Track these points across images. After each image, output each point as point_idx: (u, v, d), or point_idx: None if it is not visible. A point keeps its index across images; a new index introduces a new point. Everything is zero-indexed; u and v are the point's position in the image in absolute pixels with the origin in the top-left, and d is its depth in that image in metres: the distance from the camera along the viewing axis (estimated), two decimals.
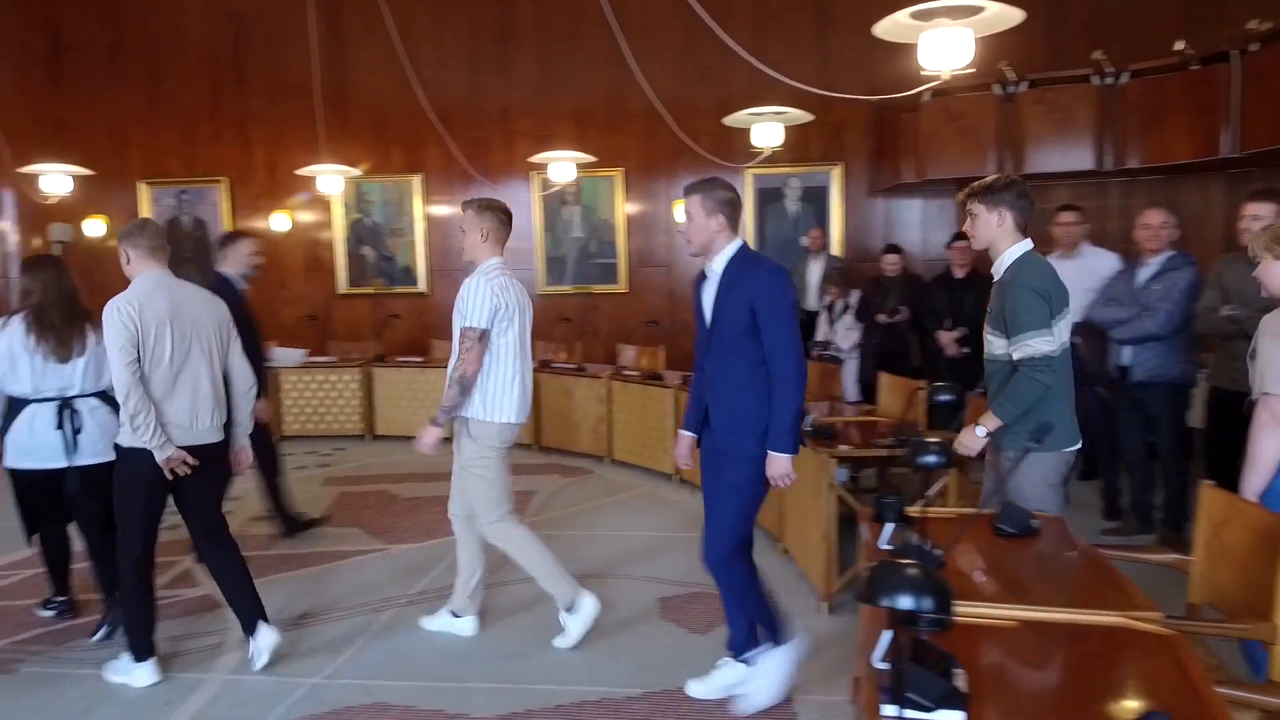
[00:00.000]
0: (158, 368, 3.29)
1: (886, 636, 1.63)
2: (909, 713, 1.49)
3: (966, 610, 1.88)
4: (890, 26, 4.00)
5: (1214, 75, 6.24)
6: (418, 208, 9.50)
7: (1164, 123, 6.66)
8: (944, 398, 2.74)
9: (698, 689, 3.24)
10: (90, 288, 3.78)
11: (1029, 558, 2.46)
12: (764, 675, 3.13)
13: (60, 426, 3.68)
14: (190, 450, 3.36)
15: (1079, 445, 3.10)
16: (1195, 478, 3.67)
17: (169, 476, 3.33)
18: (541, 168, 8.53)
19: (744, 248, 3.06)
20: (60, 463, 3.69)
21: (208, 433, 3.45)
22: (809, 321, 7.74)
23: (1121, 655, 1.84)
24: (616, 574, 4.56)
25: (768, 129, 6.82)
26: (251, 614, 3.57)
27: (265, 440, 5.21)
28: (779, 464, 2.97)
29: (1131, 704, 1.65)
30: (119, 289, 3.37)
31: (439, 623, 3.91)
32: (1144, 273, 4.72)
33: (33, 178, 8.24)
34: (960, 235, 6.42)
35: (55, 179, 8.13)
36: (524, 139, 9.15)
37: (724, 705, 3.19)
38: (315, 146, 8.88)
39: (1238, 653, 2.77)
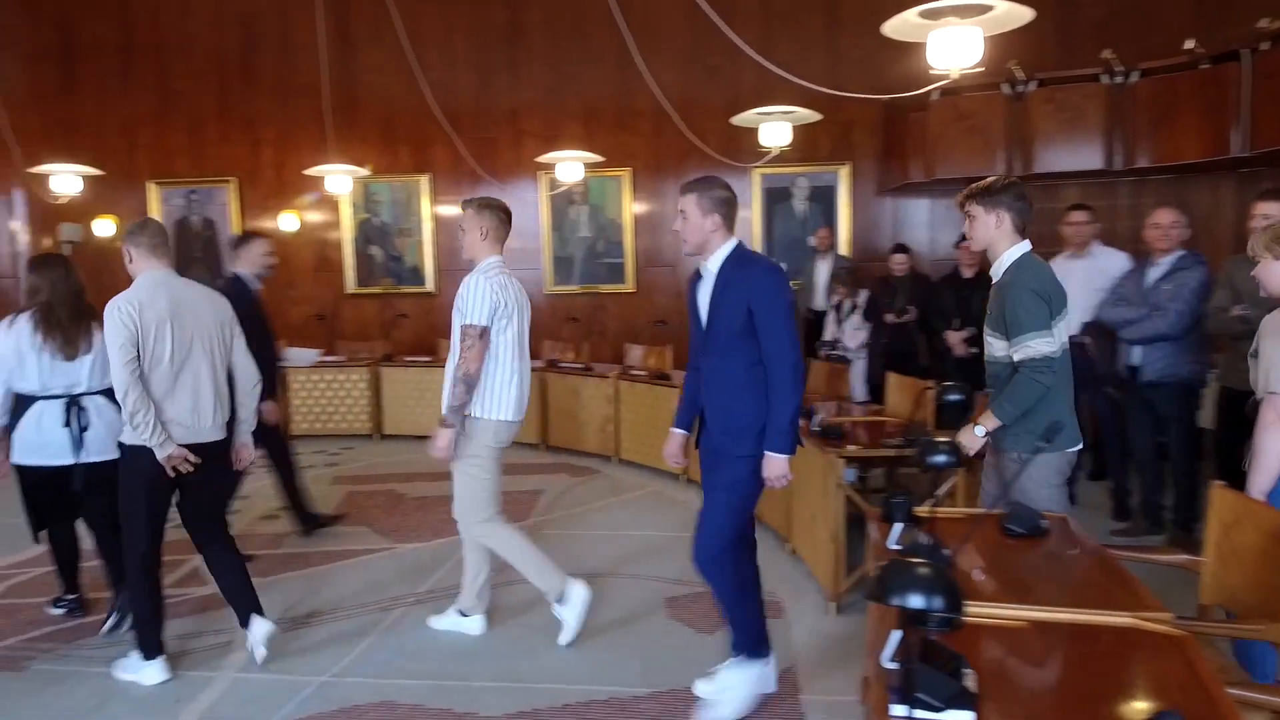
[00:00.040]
0: (158, 366, 3.31)
1: (895, 636, 1.63)
2: (918, 713, 1.48)
3: (976, 610, 1.88)
4: (899, 25, 3.99)
5: (1224, 74, 6.21)
6: (425, 208, 9.51)
7: (1174, 122, 6.64)
8: (953, 397, 2.73)
9: (705, 689, 3.23)
10: (99, 287, 3.79)
11: (1038, 558, 2.45)
12: (732, 687, 3.08)
13: (68, 424, 3.72)
14: (193, 448, 3.37)
15: (1080, 446, 3.10)
16: (1205, 478, 3.65)
17: (171, 474, 3.34)
18: (549, 168, 8.54)
19: (740, 247, 3.04)
20: (67, 460, 3.72)
21: (210, 430, 3.47)
22: (816, 321, 7.74)
23: (1132, 656, 1.83)
24: (623, 573, 4.56)
25: (775, 128, 6.81)
26: (247, 610, 3.61)
27: (279, 440, 5.23)
28: (776, 464, 2.94)
29: (1142, 704, 1.64)
30: (127, 288, 3.39)
31: (447, 622, 3.91)
32: (1154, 272, 4.70)
33: (43, 178, 8.27)
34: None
35: (65, 179, 8.17)
36: (532, 139, 9.16)
37: None
38: (323, 147, 8.91)
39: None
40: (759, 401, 2.95)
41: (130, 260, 3.46)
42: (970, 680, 1.57)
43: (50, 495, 3.83)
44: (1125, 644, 1.87)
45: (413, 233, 9.59)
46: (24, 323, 3.71)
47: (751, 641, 3.11)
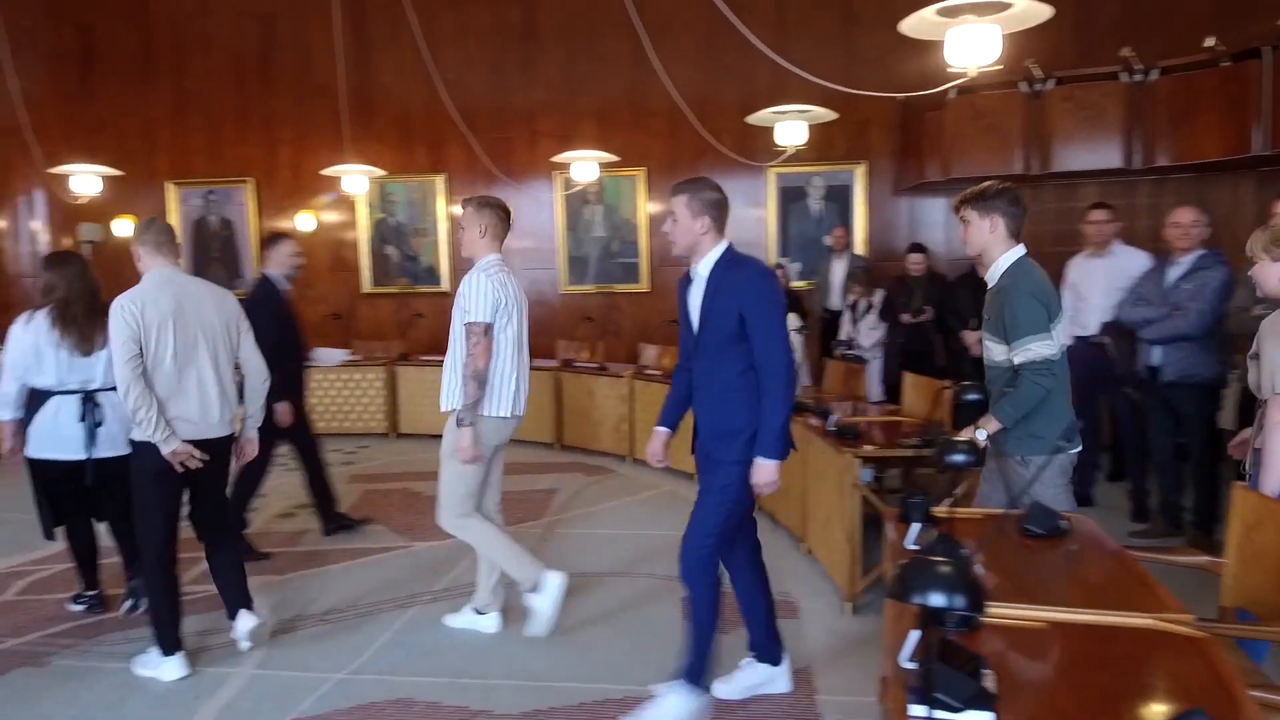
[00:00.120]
0: (161, 363, 3.34)
1: (914, 636, 1.62)
2: (938, 713, 1.47)
3: (994, 611, 1.87)
4: (916, 23, 3.97)
5: (1245, 72, 6.15)
6: (441, 208, 9.54)
7: (1194, 120, 6.58)
8: (971, 397, 2.72)
9: (722, 689, 3.23)
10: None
11: (1057, 559, 2.43)
12: (667, 708, 3.01)
13: (83, 418, 3.79)
14: (202, 444, 3.41)
15: (1080, 447, 3.11)
16: (1226, 479, 3.62)
17: (179, 470, 3.37)
18: (564, 167, 8.55)
19: (730, 250, 2.99)
20: (81, 454, 3.79)
21: (218, 426, 3.51)
22: (832, 320, 7.72)
23: (1152, 657, 1.82)
24: (639, 573, 4.57)
25: (791, 127, 6.79)
26: (237, 606, 3.67)
27: (308, 438, 5.27)
28: (766, 470, 2.89)
29: (1164, 706, 1.63)
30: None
31: (463, 620, 3.93)
32: (1174, 272, 4.66)
33: (63, 178, 8.36)
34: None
35: (85, 179, 8.25)
36: (547, 139, 9.17)
37: (746, 705, 3.18)
38: (340, 147, 8.95)
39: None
40: (751, 406, 2.90)
41: (139, 259, 3.51)
42: (989, 681, 1.56)
43: (66, 490, 3.89)
44: (1146, 645, 1.86)
45: (428, 233, 9.63)
46: (41, 319, 3.78)
47: (696, 670, 3.00)
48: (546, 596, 3.71)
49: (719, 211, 2.98)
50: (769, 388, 2.88)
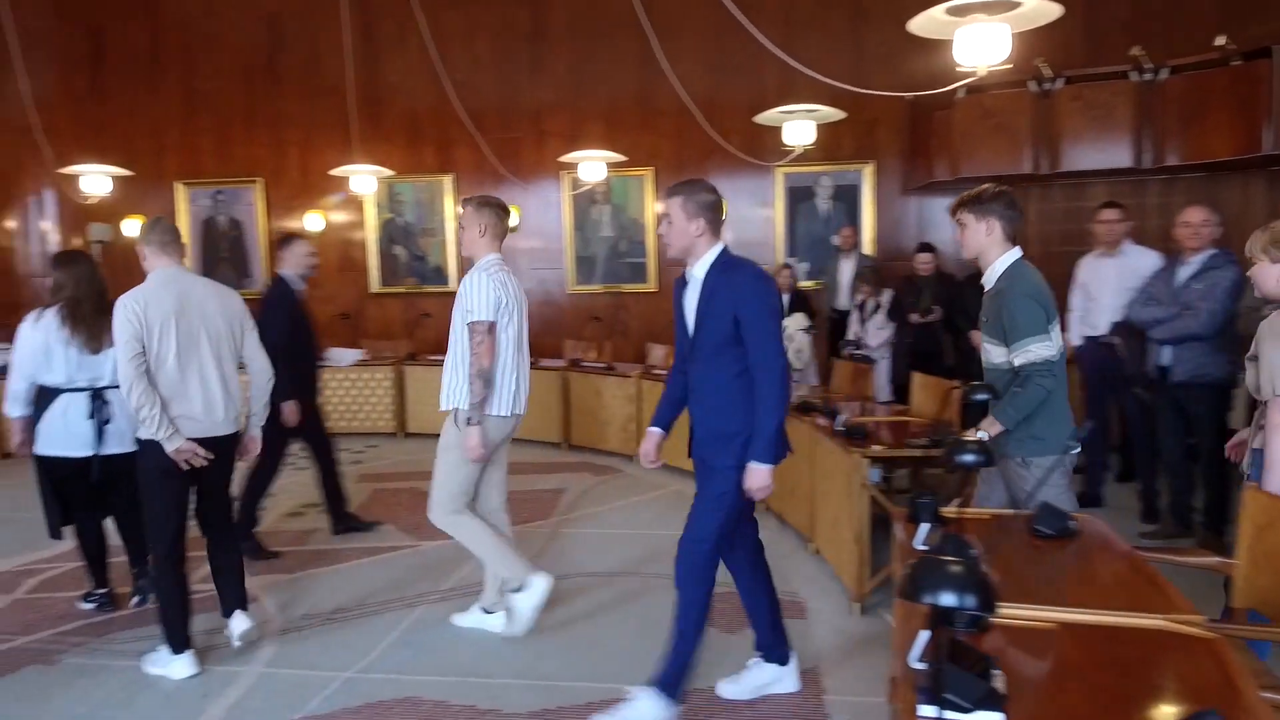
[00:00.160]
0: (165, 361, 3.37)
1: (924, 636, 1.62)
2: (947, 714, 1.47)
3: (1004, 611, 1.86)
4: (925, 23, 3.96)
5: (1256, 71, 6.12)
6: (449, 208, 9.55)
7: (1204, 119, 6.55)
8: (980, 397, 2.70)
9: (729, 690, 3.23)
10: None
11: (1066, 559, 2.42)
12: (635, 713, 2.98)
13: (92, 416, 3.83)
14: (208, 442, 3.44)
15: (1078, 449, 3.12)
16: (1236, 480, 3.60)
17: (184, 468, 3.39)
18: (572, 167, 8.55)
19: (725, 253, 2.96)
20: (90, 451, 3.84)
21: (223, 424, 3.53)
22: (840, 320, 7.71)
23: (1163, 658, 1.81)
24: (646, 572, 4.56)
25: (799, 127, 6.78)
26: (233, 605, 3.71)
27: (323, 437, 5.30)
28: (759, 475, 2.86)
29: (1174, 707, 1.62)
30: None
31: (471, 619, 3.93)
32: (1184, 271, 4.64)
33: (73, 178, 8.40)
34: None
35: (95, 179, 8.28)
36: (555, 139, 9.18)
37: (754, 705, 3.18)
38: (348, 147, 8.98)
39: None
40: (746, 410, 2.88)
41: (144, 259, 3.54)
42: (999, 681, 1.55)
43: (74, 487, 3.93)
44: (1156, 646, 1.85)
45: (436, 233, 9.64)
46: (51, 317, 3.83)
47: (672, 679, 2.97)
48: (530, 597, 3.73)
49: (714, 214, 2.95)
50: (762, 392, 2.86)
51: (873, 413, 5.14)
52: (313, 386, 5.21)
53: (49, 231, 10.09)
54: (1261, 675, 2.38)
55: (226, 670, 3.55)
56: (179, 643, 3.48)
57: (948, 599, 1.46)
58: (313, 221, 9.71)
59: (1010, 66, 4.06)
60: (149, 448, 3.39)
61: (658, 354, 7.84)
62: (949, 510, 2.46)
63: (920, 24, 3.99)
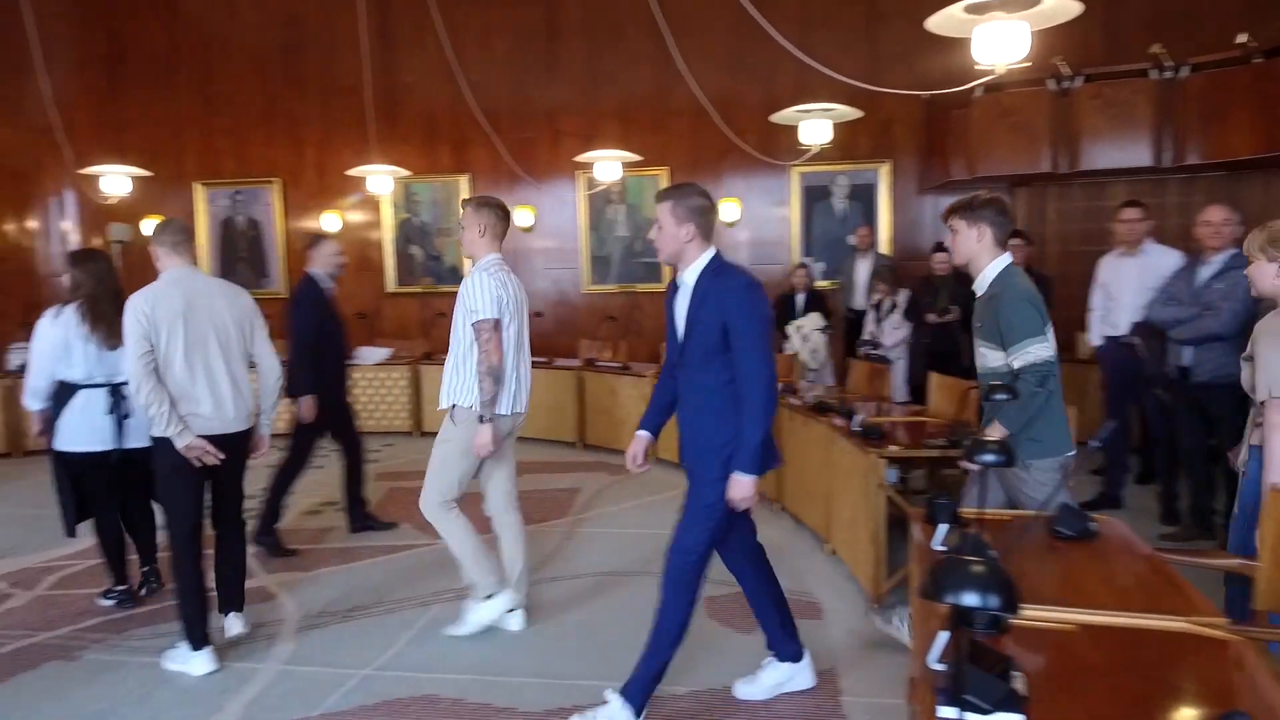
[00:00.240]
0: (174, 360, 3.41)
1: (943, 637, 1.61)
2: (968, 715, 1.46)
3: (1023, 613, 1.85)
4: (943, 21, 3.95)
5: (1278, 69, 6.06)
6: None
7: (1225, 117, 6.49)
8: (1000, 397, 2.69)
9: (745, 690, 3.22)
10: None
11: (1086, 561, 2.40)
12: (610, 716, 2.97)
13: (112, 411, 3.89)
14: (221, 438, 3.47)
15: (1074, 451, 3.13)
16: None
17: (195, 465, 3.43)
18: (587, 167, 8.57)
19: (717, 258, 2.93)
20: (111, 445, 3.91)
21: (235, 421, 3.56)
22: (856, 320, 7.68)
23: (1185, 660, 1.79)
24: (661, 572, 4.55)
25: (815, 126, 6.77)
26: (230, 605, 3.78)
27: (353, 435, 5.34)
28: (742, 486, 2.82)
29: (1196, 710, 1.60)
30: None
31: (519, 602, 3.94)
32: (1205, 271, 4.59)
33: (93, 179, 8.48)
34: (1014, 233, 6.31)
35: (115, 180, 8.36)
36: (570, 139, 9.20)
37: (770, 706, 3.17)
38: (365, 147, 9.02)
39: None
40: (733, 420, 2.84)
41: (156, 259, 3.59)
42: (1019, 683, 1.54)
43: (94, 482, 3.99)
44: (1178, 648, 1.83)
45: (452, 232, 9.67)
46: (70, 313, 3.90)
47: (638, 691, 2.95)
48: (488, 610, 3.79)
49: (704, 218, 2.91)
50: (748, 402, 2.81)
51: (889, 413, 5.11)
52: (342, 384, 5.27)
53: (69, 231, 10.18)
54: None
55: (245, 667, 3.57)
56: (198, 639, 3.50)
57: (971, 599, 1.45)
58: (330, 221, 9.76)
59: (1029, 65, 4.04)
60: (162, 445, 3.43)
61: None
62: (968, 511, 2.44)
63: (938, 22, 3.97)
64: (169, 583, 4.23)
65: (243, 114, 9.84)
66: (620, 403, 7.41)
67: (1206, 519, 4.79)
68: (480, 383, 3.60)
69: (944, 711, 1.48)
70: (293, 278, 9.68)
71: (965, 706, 1.47)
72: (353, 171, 8.73)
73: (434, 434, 3.86)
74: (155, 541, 4.29)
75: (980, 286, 3.17)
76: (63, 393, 3.94)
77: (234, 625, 3.77)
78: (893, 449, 4.01)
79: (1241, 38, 6.32)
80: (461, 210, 3.87)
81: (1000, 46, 3.86)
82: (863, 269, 7.89)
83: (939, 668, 1.61)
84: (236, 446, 3.60)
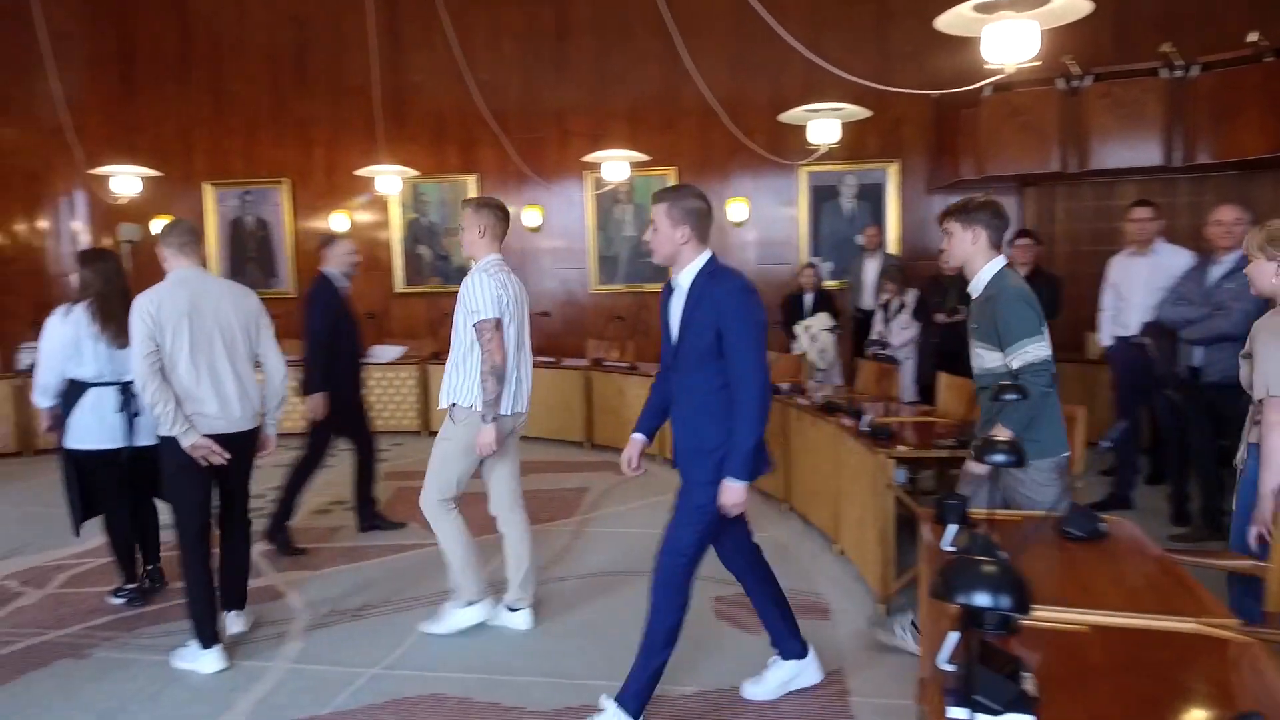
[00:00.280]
0: (179, 360, 3.43)
1: (953, 638, 1.60)
2: (978, 716, 1.45)
3: (1033, 613, 1.84)
4: (952, 20, 3.94)
5: None
6: None
7: (1236, 116, 6.46)
8: (1010, 397, 2.67)
9: (752, 690, 3.22)
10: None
11: (1097, 561, 2.39)
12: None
13: (123, 409, 3.92)
14: (225, 437, 3.49)
15: (1069, 452, 3.16)
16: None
17: (202, 464, 3.44)
18: (595, 167, 8.57)
19: (712, 261, 2.91)
20: (120, 443, 3.94)
21: (240, 421, 3.58)
22: (865, 320, 7.66)
23: (1197, 662, 1.78)
24: None
25: (824, 126, 6.75)
26: (231, 603, 3.79)
27: (366, 435, 5.36)
28: (733, 492, 2.81)
29: (1208, 712, 1.59)
30: None
31: (496, 617, 3.94)
32: (1216, 271, 4.57)
33: (104, 179, 8.52)
34: (1022, 233, 6.30)
35: (125, 180, 8.39)
36: (578, 139, 9.20)
37: (777, 705, 3.17)
38: (374, 147, 9.04)
39: None
40: (725, 425, 2.82)
41: (164, 260, 3.61)
42: (1029, 683, 1.54)
43: (105, 479, 4.02)
44: (1189, 650, 1.82)
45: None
46: (80, 312, 3.93)
47: (633, 696, 2.94)
48: (465, 616, 3.82)
49: (700, 221, 2.89)
50: (741, 408, 2.79)
51: (898, 413, 5.10)
52: (356, 383, 5.29)
53: (79, 231, 10.23)
54: None
55: (254, 665, 3.59)
56: (207, 637, 3.52)
57: (983, 599, 1.45)
58: (338, 222, 9.79)
59: (1039, 64, 4.03)
60: (169, 444, 3.45)
61: None
62: (978, 511, 2.44)
63: (947, 21, 3.96)
64: (171, 581, 4.28)
65: (252, 114, 9.88)
66: (628, 402, 7.41)
67: (1217, 520, 4.76)
68: (483, 382, 3.61)
69: (954, 712, 1.48)
70: (301, 278, 9.71)
71: (975, 707, 1.46)
72: (361, 171, 8.75)
73: None
74: (159, 540, 4.31)
75: (975, 289, 3.19)
76: (73, 391, 3.96)
77: (234, 623, 3.79)
78: (901, 449, 4.00)
79: (1252, 36, 6.29)
80: (461, 211, 3.89)
81: (1010, 45, 3.85)
82: (871, 269, 7.88)
83: (949, 668, 1.60)
84: (243, 446, 3.62)
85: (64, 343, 3.91)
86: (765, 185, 9.05)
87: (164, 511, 4.01)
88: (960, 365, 6.19)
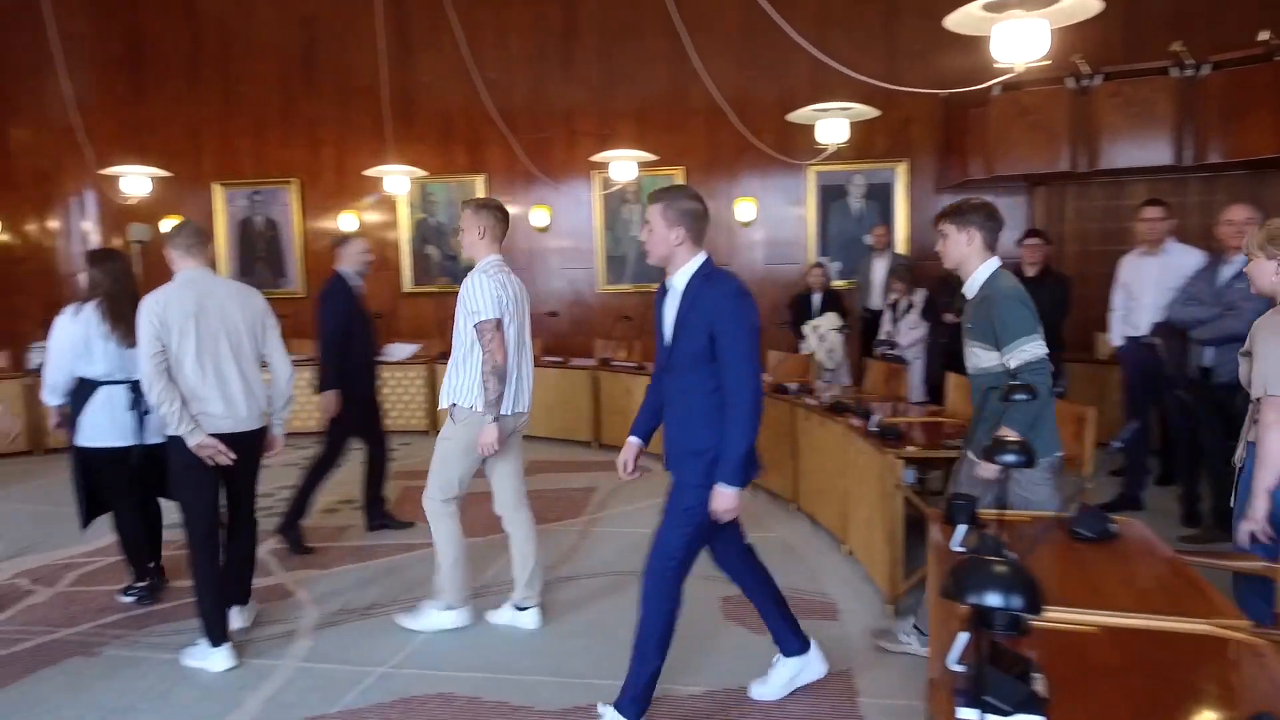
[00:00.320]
0: (185, 361, 3.44)
1: (963, 638, 1.60)
2: (988, 716, 1.45)
3: (1044, 614, 1.83)
4: (961, 18, 3.92)
5: None
6: None
7: (1247, 116, 6.43)
8: (1019, 398, 2.67)
9: (759, 691, 3.22)
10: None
11: (1107, 562, 2.38)
12: None
13: (133, 407, 3.96)
14: (232, 437, 3.51)
15: (1062, 452, 3.17)
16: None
17: (208, 463, 3.45)
18: (603, 166, 8.57)
19: (707, 264, 2.87)
20: (131, 441, 3.97)
21: (247, 420, 3.60)
22: (873, 320, 7.65)
23: (1209, 663, 1.78)
24: None
25: (832, 125, 6.74)
26: (234, 597, 3.81)
27: (379, 434, 5.39)
28: (725, 498, 2.78)
29: (1220, 713, 1.59)
30: None
31: (504, 616, 3.95)
32: (1227, 271, 4.55)
33: (114, 179, 8.55)
34: (1032, 232, 6.28)
35: (135, 180, 8.43)
36: (586, 138, 9.21)
37: (785, 705, 3.17)
38: (382, 148, 9.06)
39: None
40: (717, 428, 2.79)
41: (171, 261, 3.63)
42: (1040, 684, 1.53)
43: (115, 477, 4.04)
44: (1201, 651, 1.82)
45: None
46: (90, 311, 3.96)
47: (631, 701, 2.92)
48: (440, 619, 3.85)
49: (695, 222, 2.85)
50: (734, 413, 2.76)
51: (906, 413, 5.09)
52: (370, 381, 5.31)
53: (90, 231, 10.28)
54: None
55: (263, 664, 3.60)
56: (217, 636, 3.53)
57: (994, 599, 1.44)
58: (347, 222, 9.81)
59: (1048, 63, 4.01)
60: (176, 444, 3.47)
61: None
62: (987, 512, 2.43)
63: (956, 20, 3.95)
64: (172, 580, 4.30)
65: (261, 114, 9.91)
66: (635, 402, 7.34)
67: (1228, 521, 4.73)
68: (485, 382, 3.63)
69: (964, 713, 1.47)
70: (310, 278, 9.73)
71: (985, 708, 1.46)
72: (370, 172, 8.77)
73: None
74: (161, 539, 4.33)
75: (970, 290, 3.21)
76: (83, 389, 3.99)
77: (235, 619, 3.78)
78: (910, 449, 3.99)
79: (1263, 35, 6.26)
80: (461, 213, 3.90)
81: (1019, 44, 3.83)
82: (879, 268, 7.86)
83: (958, 669, 1.60)
84: (250, 446, 3.63)
85: (73, 341, 3.94)
86: (773, 185, 9.04)
87: (168, 511, 4.03)
88: None
